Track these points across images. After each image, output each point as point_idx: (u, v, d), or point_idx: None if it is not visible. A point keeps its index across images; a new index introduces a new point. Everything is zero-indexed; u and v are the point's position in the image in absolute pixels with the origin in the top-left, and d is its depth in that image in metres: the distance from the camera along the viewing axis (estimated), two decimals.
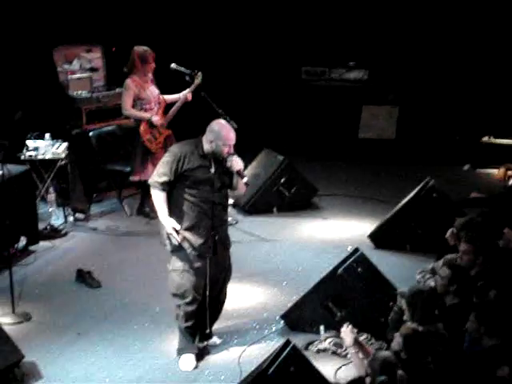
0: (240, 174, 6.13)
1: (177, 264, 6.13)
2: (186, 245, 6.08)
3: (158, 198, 6.09)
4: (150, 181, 6.13)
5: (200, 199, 6.06)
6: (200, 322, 6.33)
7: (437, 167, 10.34)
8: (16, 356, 6.02)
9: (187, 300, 6.16)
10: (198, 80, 8.57)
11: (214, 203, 6.11)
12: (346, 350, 6.28)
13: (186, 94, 8.70)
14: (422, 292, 5.76)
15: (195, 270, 6.12)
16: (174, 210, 6.08)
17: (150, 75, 8.80)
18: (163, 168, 6.08)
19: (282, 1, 11.46)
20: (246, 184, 6.27)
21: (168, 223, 6.05)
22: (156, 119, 8.73)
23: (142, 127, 8.78)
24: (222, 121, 6.31)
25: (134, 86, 8.69)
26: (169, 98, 8.91)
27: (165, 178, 6.04)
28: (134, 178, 8.94)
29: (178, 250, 6.11)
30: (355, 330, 5.68)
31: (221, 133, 6.07)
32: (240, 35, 11.37)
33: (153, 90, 8.81)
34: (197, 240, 6.09)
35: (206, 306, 6.28)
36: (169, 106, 8.91)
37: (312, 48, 11.45)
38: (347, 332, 5.65)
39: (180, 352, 6.29)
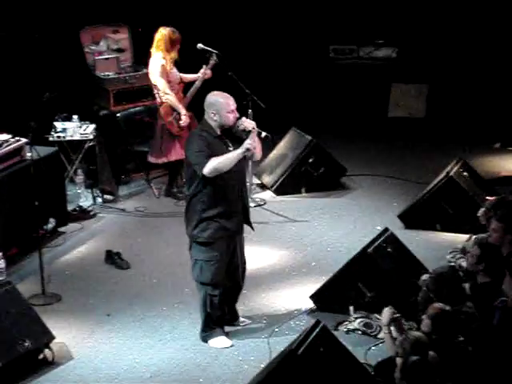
0: (258, 131, 6.02)
1: (211, 254, 6.08)
2: (220, 233, 6.04)
3: (218, 161, 5.83)
4: (198, 167, 5.89)
5: (229, 181, 6.00)
6: (228, 310, 6.34)
7: (467, 146, 10.21)
8: (46, 337, 6.07)
9: (219, 290, 6.16)
10: (213, 60, 8.51)
11: (240, 181, 6.08)
12: (375, 330, 6.25)
13: (203, 72, 8.61)
14: (444, 274, 5.71)
15: (227, 259, 6.12)
16: (207, 203, 5.99)
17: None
18: (202, 155, 5.88)
19: None
20: (266, 136, 6.12)
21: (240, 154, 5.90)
22: (185, 120, 8.62)
23: (164, 110, 8.72)
24: (213, 92, 6.15)
25: (165, 67, 8.61)
26: (187, 77, 8.84)
27: (205, 158, 5.87)
28: (157, 161, 8.91)
29: (212, 240, 6.06)
30: (395, 312, 5.60)
31: (219, 101, 5.97)
32: (267, 13, 11.28)
33: (177, 73, 8.76)
34: (233, 225, 6.07)
35: (235, 293, 6.33)
36: (187, 85, 8.86)
37: (340, 26, 11.34)
38: (385, 312, 5.60)
39: (208, 337, 6.28)
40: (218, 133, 6.01)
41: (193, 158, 5.97)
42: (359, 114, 11.10)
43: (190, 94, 8.80)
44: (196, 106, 8.82)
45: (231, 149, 6.00)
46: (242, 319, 6.51)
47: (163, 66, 8.58)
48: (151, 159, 9.00)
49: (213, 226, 6.03)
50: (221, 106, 5.96)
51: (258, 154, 6.17)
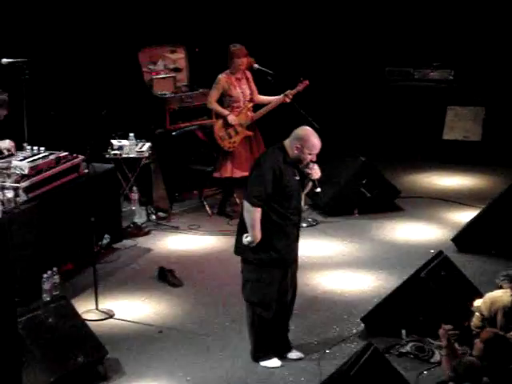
0: (315, 183, 6.06)
1: (263, 276, 6.07)
2: (275, 258, 6.03)
3: (252, 216, 5.91)
4: (246, 196, 5.96)
5: (290, 211, 6.00)
6: (277, 334, 6.31)
7: None
8: (100, 352, 6.11)
9: (267, 311, 6.14)
10: (300, 86, 8.56)
11: (299, 212, 6.09)
12: (427, 354, 6.19)
13: (284, 96, 8.66)
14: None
15: (279, 281, 6.10)
16: (266, 225, 5.96)
17: (248, 75, 8.82)
18: (259, 182, 5.91)
19: (367, 1, 11.36)
20: (315, 194, 6.24)
21: (258, 238, 5.99)
22: (232, 118, 8.76)
23: (218, 124, 8.83)
24: (307, 127, 6.18)
25: (225, 82, 8.75)
26: (265, 98, 8.90)
27: (261, 193, 5.89)
28: (215, 175, 9.02)
29: (267, 261, 6.06)
30: (450, 332, 5.55)
31: (310, 140, 5.95)
32: (324, 35, 11.31)
33: (245, 90, 8.84)
34: (288, 252, 6.06)
35: (285, 318, 6.29)
36: (260, 106, 8.92)
37: (396, 48, 11.32)
38: (442, 332, 5.54)
39: (259, 357, 6.27)
40: (291, 161, 6.00)
41: (253, 182, 5.97)
42: (414, 136, 11.04)
43: (258, 113, 8.87)
44: (263, 127, 8.93)
45: (297, 178, 6.01)
46: (296, 352, 6.39)
47: (218, 78, 8.77)
48: (215, 174, 9.11)
49: (264, 250, 6.01)
50: (309, 145, 5.93)
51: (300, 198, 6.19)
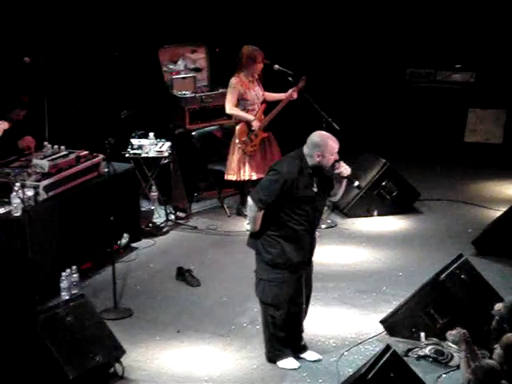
0: (350, 179, 6.04)
1: (274, 275, 6.06)
2: (283, 259, 6.02)
3: (254, 215, 5.97)
4: (252, 196, 5.98)
5: (303, 217, 5.97)
6: (292, 335, 6.28)
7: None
8: (117, 351, 6.12)
9: (282, 311, 6.12)
10: (302, 83, 8.56)
11: (315, 221, 6.07)
12: (446, 357, 6.15)
13: (290, 93, 8.65)
14: None
15: (292, 283, 6.09)
16: (277, 225, 5.98)
17: (257, 76, 8.82)
18: (267, 188, 5.92)
19: (389, 2, 11.33)
20: (358, 187, 6.22)
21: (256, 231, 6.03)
22: (257, 124, 8.74)
23: (240, 128, 8.81)
24: (321, 132, 6.15)
25: (240, 85, 8.74)
26: (272, 95, 8.90)
27: (266, 199, 5.91)
28: (232, 178, 8.99)
29: (276, 262, 6.05)
30: (466, 334, 5.52)
31: (328, 144, 5.90)
32: (346, 36, 11.29)
33: (258, 92, 8.83)
34: (297, 256, 6.04)
35: (300, 320, 6.27)
36: (270, 105, 8.91)
37: (418, 49, 11.28)
38: (456, 332, 5.51)
39: (276, 358, 6.25)
40: (310, 171, 5.96)
41: (263, 186, 5.99)
42: (435, 138, 11.00)
43: (270, 114, 8.85)
44: (277, 127, 8.91)
45: (315, 190, 5.96)
46: (313, 353, 6.36)
47: (233, 82, 8.74)
48: (232, 178, 9.06)
49: (276, 251, 6.02)
50: (328, 148, 5.89)
51: (339, 197, 6.21)
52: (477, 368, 5.07)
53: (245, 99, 8.79)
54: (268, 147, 8.93)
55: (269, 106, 8.92)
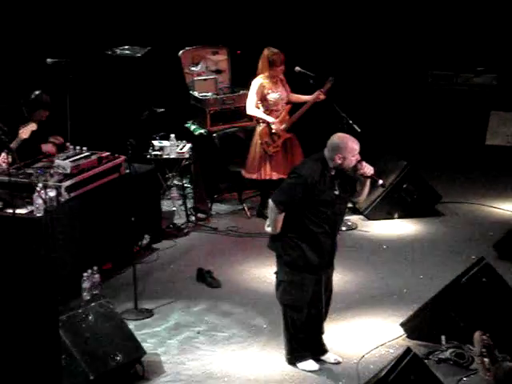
0: (374, 178, 6.02)
1: (295, 278, 6.06)
2: (303, 262, 6.03)
3: (275, 217, 5.97)
4: (273, 197, 6.00)
5: (324, 220, 5.96)
6: (312, 337, 6.28)
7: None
8: (138, 352, 6.14)
9: (302, 313, 6.13)
10: (329, 85, 8.55)
11: (336, 224, 6.06)
12: (467, 360, 6.13)
13: (317, 95, 8.64)
14: None
15: (312, 285, 6.09)
16: (297, 228, 5.98)
17: (281, 77, 8.83)
18: (288, 191, 5.94)
19: (411, 4, 11.30)
20: (382, 185, 6.21)
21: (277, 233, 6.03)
22: (276, 127, 8.75)
23: (262, 129, 8.84)
24: (341, 133, 6.15)
25: (262, 87, 8.76)
26: (298, 97, 8.91)
27: (287, 202, 5.92)
28: (251, 176, 9.00)
29: (297, 264, 6.06)
30: (486, 338, 5.50)
31: (348, 146, 5.89)
32: (368, 38, 11.28)
33: (282, 93, 8.84)
34: (317, 259, 6.04)
35: (320, 322, 6.27)
36: (296, 106, 8.91)
37: (440, 52, 11.25)
38: (476, 337, 5.49)
39: (296, 360, 6.25)
40: (332, 173, 5.96)
41: (284, 188, 5.99)
42: (456, 141, 10.95)
43: (295, 115, 8.85)
44: (298, 129, 8.91)
45: (336, 193, 5.95)
46: (334, 356, 6.36)
47: (255, 84, 8.77)
48: (244, 173, 9.08)
49: (297, 253, 6.01)
50: (349, 150, 5.88)
51: (363, 197, 6.20)
52: (497, 369, 5.06)
53: (267, 100, 8.81)
54: (290, 148, 8.94)
55: (294, 107, 8.92)
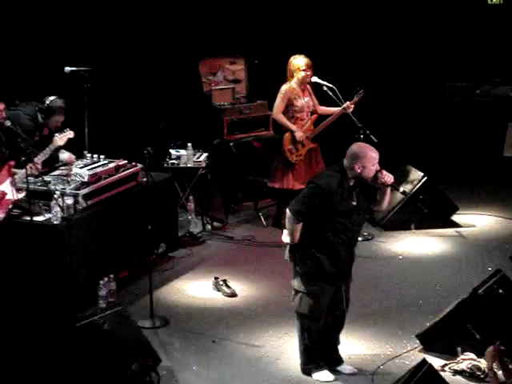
0: (394, 187, 6.01)
1: (311, 288, 6.05)
2: (320, 272, 6.01)
3: (292, 227, 5.96)
4: (291, 208, 5.97)
5: (341, 231, 5.95)
6: (327, 347, 6.28)
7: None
8: (153, 360, 6.15)
9: (318, 323, 6.12)
10: (359, 97, 8.55)
11: (353, 234, 6.05)
12: (483, 373, 6.10)
13: (345, 107, 8.62)
14: None
15: (329, 295, 6.08)
16: (315, 238, 5.97)
17: (309, 88, 8.84)
18: (306, 201, 5.92)
19: (429, 16, 11.30)
20: (404, 193, 6.21)
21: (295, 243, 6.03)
22: (299, 135, 8.77)
23: (287, 136, 8.86)
24: (360, 143, 6.19)
25: (290, 93, 8.77)
26: (325, 109, 8.92)
27: (305, 212, 5.91)
28: (274, 185, 9.02)
29: (313, 274, 6.05)
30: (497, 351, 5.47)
31: (367, 154, 5.89)
32: (384, 48, 11.28)
33: (308, 101, 8.85)
34: (334, 269, 6.02)
35: (336, 332, 6.26)
36: (320, 117, 8.93)
37: (458, 63, 11.23)
38: (488, 353, 5.47)
39: (311, 370, 6.24)
40: (351, 184, 5.95)
41: (301, 198, 5.97)
42: (473, 152, 10.93)
43: (321, 125, 8.86)
44: (323, 139, 8.92)
45: (354, 203, 5.95)
46: (349, 367, 6.34)
47: (283, 89, 8.78)
48: (268, 182, 9.11)
49: (314, 263, 6.00)
50: (368, 159, 5.87)
51: (385, 206, 6.17)
52: (510, 381, 5.03)
53: (294, 106, 8.81)
54: (314, 158, 8.94)
55: (320, 118, 8.93)
